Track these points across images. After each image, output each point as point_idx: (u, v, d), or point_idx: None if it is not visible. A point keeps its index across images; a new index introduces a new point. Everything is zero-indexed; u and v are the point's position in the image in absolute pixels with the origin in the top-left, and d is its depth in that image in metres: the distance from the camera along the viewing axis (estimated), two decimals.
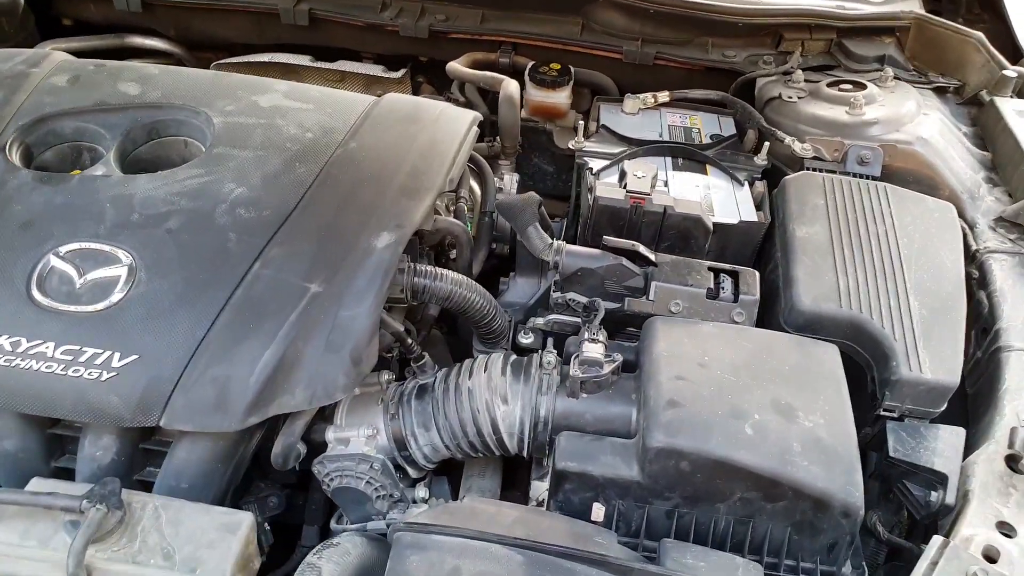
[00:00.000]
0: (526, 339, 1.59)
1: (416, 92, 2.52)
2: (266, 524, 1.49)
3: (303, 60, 2.42)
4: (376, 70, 2.43)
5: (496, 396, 1.35)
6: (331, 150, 1.55)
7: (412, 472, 1.43)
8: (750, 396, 1.29)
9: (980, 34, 2.12)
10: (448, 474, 1.52)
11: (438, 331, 1.77)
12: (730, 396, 1.29)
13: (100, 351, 1.22)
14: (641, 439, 1.25)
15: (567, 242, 1.58)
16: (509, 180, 2.06)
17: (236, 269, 1.32)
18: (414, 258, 1.55)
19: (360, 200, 1.46)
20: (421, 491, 1.44)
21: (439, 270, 1.47)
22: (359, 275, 1.33)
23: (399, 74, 2.43)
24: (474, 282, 1.52)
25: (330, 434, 1.38)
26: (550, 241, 1.58)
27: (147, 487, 1.34)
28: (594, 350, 1.34)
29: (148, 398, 1.20)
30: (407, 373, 1.51)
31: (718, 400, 1.28)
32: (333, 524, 1.44)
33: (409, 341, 1.43)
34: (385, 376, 1.45)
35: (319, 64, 2.42)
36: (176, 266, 1.32)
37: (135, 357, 1.22)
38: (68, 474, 1.31)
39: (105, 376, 1.20)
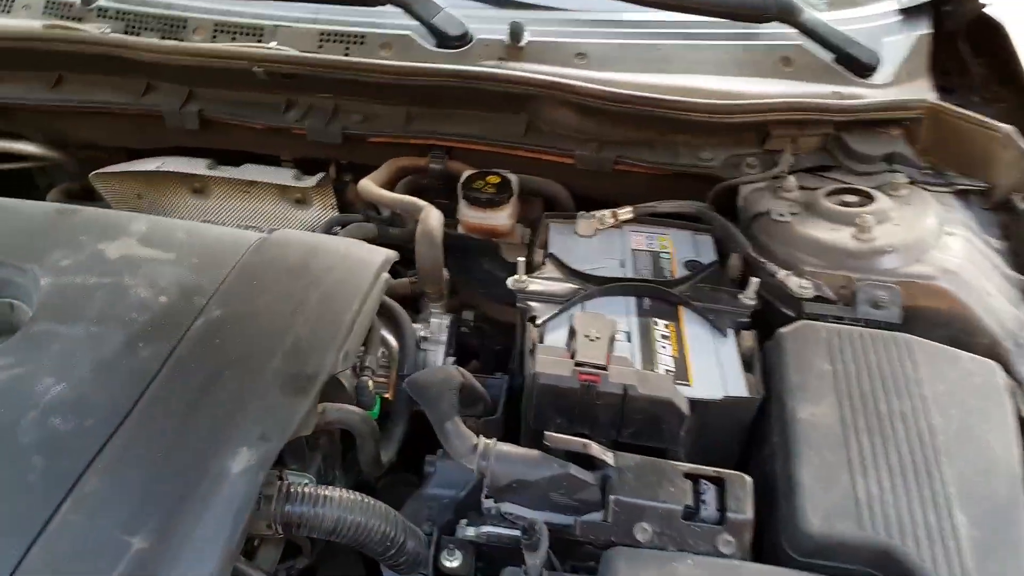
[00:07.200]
0: (452, 561, 1.21)
1: (341, 196, 2.11)
2: None
3: (200, 167, 1.99)
4: (287, 176, 2.00)
5: None
6: (189, 321, 1.17)
7: None
8: None
9: (1009, 127, 1.68)
10: None
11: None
12: None
13: None
14: None
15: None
16: (438, 325, 1.65)
17: (34, 517, 0.93)
18: (301, 459, 1.19)
19: (218, 398, 1.07)
20: None
21: (323, 492, 1.08)
22: (204, 518, 0.94)
23: (314, 181, 1.99)
24: (375, 502, 1.12)
25: None
26: (474, 442, 1.18)
27: None
28: None
29: None
30: None
31: None
32: None
33: None
34: None
35: (219, 172, 1.99)
36: None
37: None
38: None
39: None
